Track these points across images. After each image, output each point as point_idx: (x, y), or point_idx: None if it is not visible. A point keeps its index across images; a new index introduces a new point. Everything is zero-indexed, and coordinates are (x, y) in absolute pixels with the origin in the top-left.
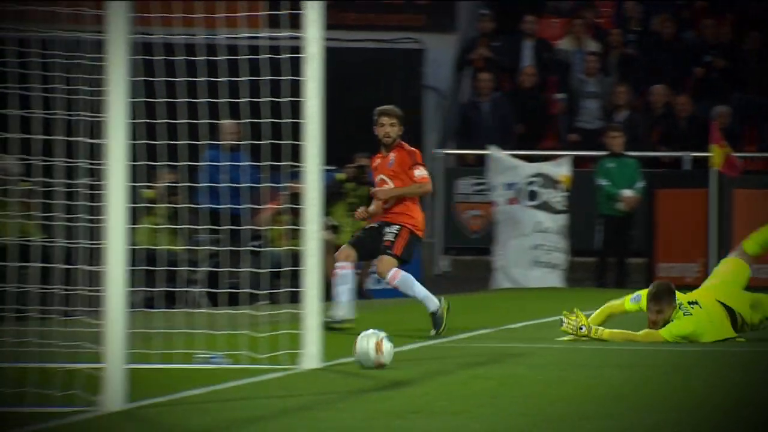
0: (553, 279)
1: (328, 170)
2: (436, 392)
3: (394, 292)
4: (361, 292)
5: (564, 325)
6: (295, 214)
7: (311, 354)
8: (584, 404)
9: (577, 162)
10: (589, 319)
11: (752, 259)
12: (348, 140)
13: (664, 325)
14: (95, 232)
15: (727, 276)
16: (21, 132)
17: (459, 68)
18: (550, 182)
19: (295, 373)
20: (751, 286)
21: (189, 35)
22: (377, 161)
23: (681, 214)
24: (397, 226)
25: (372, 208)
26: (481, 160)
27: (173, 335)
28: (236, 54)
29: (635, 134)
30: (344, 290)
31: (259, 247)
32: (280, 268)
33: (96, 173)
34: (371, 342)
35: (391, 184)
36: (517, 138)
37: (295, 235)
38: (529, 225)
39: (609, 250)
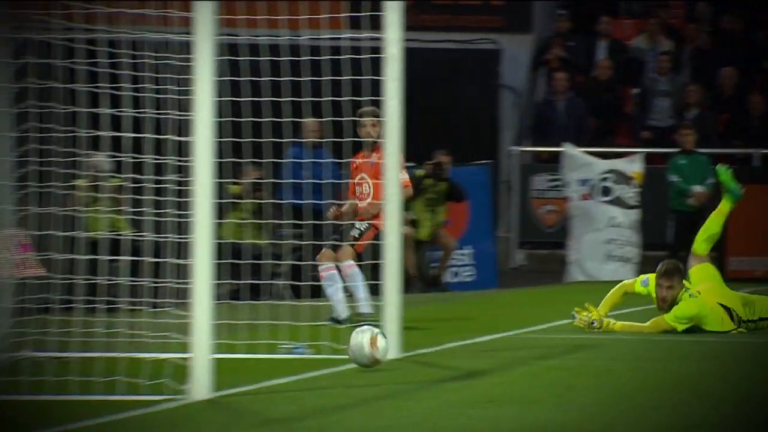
0: (626, 272)
1: (407, 167)
2: (511, 382)
3: (470, 285)
4: (439, 285)
5: (576, 320)
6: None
7: (391, 345)
8: (654, 394)
9: (650, 159)
10: (598, 308)
11: (707, 256)
12: (427, 138)
13: (671, 305)
14: (183, 227)
15: (708, 279)
16: (112, 130)
17: (534, 68)
18: (623, 178)
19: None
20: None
21: (273, 36)
22: (359, 161)
23: (751, 210)
24: (366, 224)
25: (345, 207)
26: (555, 157)
27: (258, 326)
28: (319, 54)
29: (706, 132)
30: (336, 289)
31: (340, 241)
32: (360, 261)
33: (184, 170)
34: (366, 337)
35: (370, 183)
36: (591, 135)
37: None
38: (602, 220)
39: (680, 244)
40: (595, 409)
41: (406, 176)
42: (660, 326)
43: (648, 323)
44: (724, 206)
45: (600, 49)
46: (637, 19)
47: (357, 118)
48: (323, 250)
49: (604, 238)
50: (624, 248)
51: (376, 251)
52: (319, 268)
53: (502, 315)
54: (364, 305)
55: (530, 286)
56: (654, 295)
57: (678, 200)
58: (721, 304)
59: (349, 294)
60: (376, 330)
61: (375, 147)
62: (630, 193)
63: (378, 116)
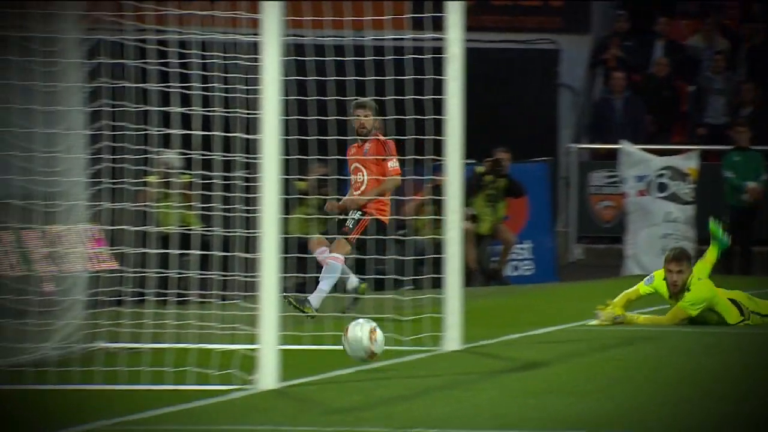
0: None
1: (468, 163)
2: (570, 373)
3: (529, 278)
4: (499, 278)
5: (600, 318)
6: (438, 205)
7: (452, 336)
8: (708, 386)
9: (705, 156)
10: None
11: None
12: (487, 136)
13: (682, 290)
14: (251, 222)
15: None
16: (182, 128)
17: (592, 67)
18: (679, 175)
19: (437, 354)
20: None
21: (338, 37)
22: (353, 150)
23: None
24: (359, 214)
25: (342, 201)
26: (613, 155)
27: (323, 318)
28: (382, 54)
29: (760, 129)
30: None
31: (404, 236)
32: (423, 255)
33: (251, 167)
34: (365, 330)
35: (364, 172)
36: (648, 133)
37: (437, 225)
38: (659, 215)
39: (734, 238)
40: (653, 398)
41: (396, 164)
42: (677, 316)
43: (666, 316)
44: (711, 255)
45: (657, 49)
46: (693, 19)
47: (351, 109)
48: (314, 239)
49: (660, 233)
50: (679, 243)
51: (438, 246)
52: (319, 254)
53: (560, 308)
54: (316, 297)
55: (588, 280)
56: (660, 290)
57: (732, 195)
58: (728, 298)
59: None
60: (374, 323)
61: (370, 137)
62: (685, 189)
63: (372, 108)
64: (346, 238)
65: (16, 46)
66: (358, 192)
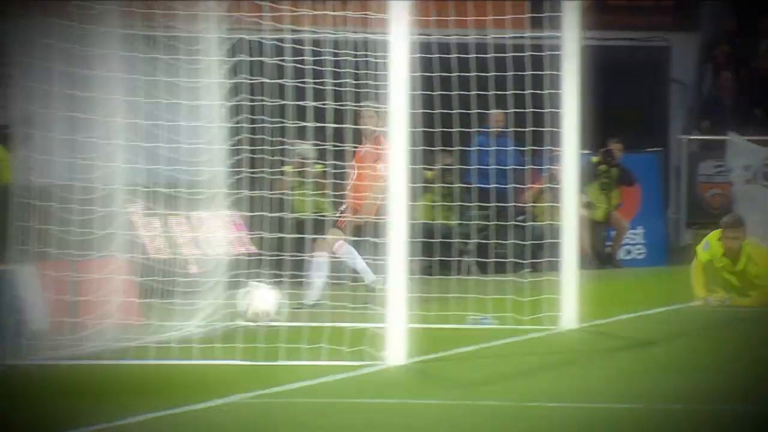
0: None
1: (583, 154)
2: (682, 351)
3: (641, 262)
4: (613, 262)
5: (710, 302)
6: (555, 193)
7: (569, 316)
8: None
9: None
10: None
11: None
12: (602, 128)
13: (738, 255)
14: (380, 209)
15: None
16: (316, 121)
17: (702, 63)
18: None
19: (554, 333)
20: None
21: (461, 36)
22: (362, 150)
23: None
24: (345, 205)
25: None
26: (721, 145)
27: (448, 299)
28: (503, 51)
29: None
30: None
31: (523, 221)
32: (541, 240)
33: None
34: (244, 295)
35: (356, 171)
36: (755, 124)
37: (554, 211)
38: (765, 202)
39: None
40: (762, 377)
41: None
42: (764, 293)
43: (752, 296)
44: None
45: (763, 45)
46: None
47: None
48: (321, 240)
49: (766, 219)
50: None
51: (556, 232)
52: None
53: (670, 289)
54: (367, 274)
55: None
56: (717, 253)
57: None
58: None
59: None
60: (259, 284)
61: (375, 137)
62: None
63: (377, 108)
64: (338, 227)
65: (163, 45)
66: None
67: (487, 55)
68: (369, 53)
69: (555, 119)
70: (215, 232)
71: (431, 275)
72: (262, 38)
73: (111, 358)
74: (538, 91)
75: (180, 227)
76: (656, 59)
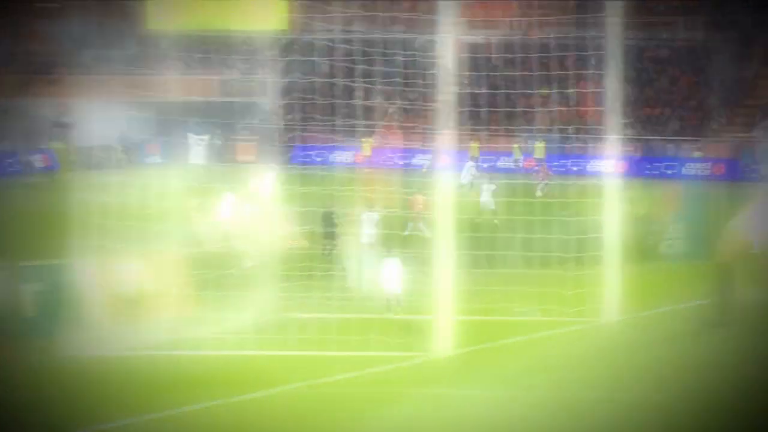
0: None
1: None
2: (716, 344)
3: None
4: (655, 256)
5: None
6: (598, 189)
7: (611, 309)
8: None
9: None
10: None
11: None
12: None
13: None
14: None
15: None
16: (365, 119)
17: (741, 61)
18: None
19: (596, 325)
20: None
21: (507, 36)
22: None
23: None
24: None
25: None
26: None
27: (494, 292)
28: (548, 51)
29: None
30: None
31: (567, 216)
32: (585, 235)
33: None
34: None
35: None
36: None
37: (598, 207)
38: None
39: None
40: None
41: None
42: None
43: None
44: None
45: None
46: None
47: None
48: None
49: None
50: None
51: (599, 227)
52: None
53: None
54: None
55: None
56: None
57: None
58: None
59: None
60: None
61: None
62: None
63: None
64: None
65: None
66: None
67: (531, 55)
68: (417, 53)
69: (598, 117)
70: (269, 228)
71: (477, 268)
72: (314, 39)
73: (168, 349)
74: (583, 91)
75: (234, 222)
76: (695, 57)
